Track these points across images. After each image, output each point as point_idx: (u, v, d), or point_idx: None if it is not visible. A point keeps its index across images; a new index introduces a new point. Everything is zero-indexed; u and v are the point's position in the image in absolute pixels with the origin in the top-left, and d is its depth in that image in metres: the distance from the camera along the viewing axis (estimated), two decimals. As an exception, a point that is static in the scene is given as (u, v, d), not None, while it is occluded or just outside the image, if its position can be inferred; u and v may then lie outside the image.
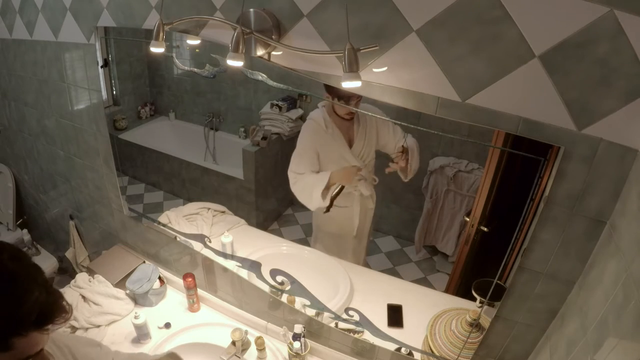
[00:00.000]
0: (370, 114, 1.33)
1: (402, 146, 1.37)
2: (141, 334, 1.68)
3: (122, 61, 1.82)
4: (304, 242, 1.79)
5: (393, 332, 1.50)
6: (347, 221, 1.63)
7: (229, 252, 1.76)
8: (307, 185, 1.56)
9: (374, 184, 1.57)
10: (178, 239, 1.88)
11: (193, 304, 1.85)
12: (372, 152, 1.50)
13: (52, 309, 0.74)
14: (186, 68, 1.76)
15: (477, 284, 1.31)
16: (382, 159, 1.55)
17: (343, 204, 1.58)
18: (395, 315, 1.52)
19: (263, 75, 1.35)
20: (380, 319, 1.53)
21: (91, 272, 1.96)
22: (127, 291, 1.86)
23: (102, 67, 1.71)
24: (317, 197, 1.54)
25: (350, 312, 1.56)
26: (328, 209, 1.58)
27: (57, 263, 2.59)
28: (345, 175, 1.54)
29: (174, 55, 1.72)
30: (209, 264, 1.81)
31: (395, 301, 1.54)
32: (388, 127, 1.44)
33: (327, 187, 1.53)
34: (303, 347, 1.55)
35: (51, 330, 0.75)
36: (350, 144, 1.49)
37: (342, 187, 1.54)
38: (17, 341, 0.71)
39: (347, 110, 1.40)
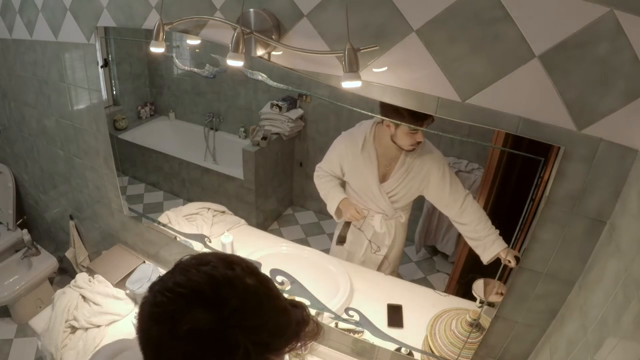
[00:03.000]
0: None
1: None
2: (141, 334, 1.68)
3: (122, 61, 1.82)
4: (304, 242, 1.79)
5: (393, 332, 1.50)
6: (354, 246, 1.59)
7: (229, 252, 1.76)
8: (321, 190, 1.50)
9: (400, 220, 1.46)
10: (178, 239, 1.88)
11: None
12: (408, 196, 1.39)
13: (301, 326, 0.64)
14: (186, 68, 1.76)
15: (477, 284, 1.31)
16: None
17: (357, 225, 1.51)
18: (395, 315, 1.52)
19: (263, 75, 1.35)
20: (380, 319, 1.53)
21: (91, 272, 1.95)
22: (127, 291, 1.86)
23: (102, 67, 1.71)
24: (330, 209, 1.48)
25: (350, 312, 1.56)
26: (341, 241, 1.50)
27: (57, 263, 2.59)
28: (352, 214, 1.43)
29: (174, 55, 1.72)
30: (209, 264, 1.81)
31: (395, 301, 1.54)
32: (444, 180, 1.28)
33: (338, 211, 1.45)
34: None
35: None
36: (384, 178, 1.37)
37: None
38: None
39: (413, 140, 1.23)
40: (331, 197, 1.47)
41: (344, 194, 1.46)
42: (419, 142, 1.27)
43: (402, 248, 1.57)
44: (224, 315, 0.55)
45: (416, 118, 1.15)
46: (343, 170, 1.44)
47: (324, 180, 1.50)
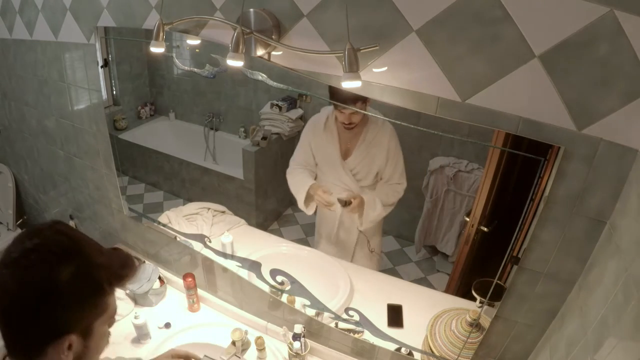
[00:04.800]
0: (379, 116, 1.28)
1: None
2: (141, 334, 1.68)
3: (122, 61, 1.82)
4: (304, 242, 1.79)
5: (393, 332, 1.50)
6: (329, 225, 1.62)
7: (229, 252, 1.76)
8: (292, 184, 1.56)
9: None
10: (178, 239, 1.88)
11: (193, 304, 1.85)
12: (370, 173, 1.45)
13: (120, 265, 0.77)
14: (186, 68, 1.76)
15: (477, 284, 1.31)
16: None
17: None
18: (395, 315, 1.52)
19: (263, 75, 1.35)
20: (380, 318, 1.53)
21: (91, 272, 1.95)
22: (127, 291, 1.86)
23: (102, 67, 1.71)
24: (299, 198, 1.53)
25: (350, 312, 1.56)
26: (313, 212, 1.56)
27: (57, 263, 2.59)
28: (319, 194, 1.50)
29: (174, 55, 1.72)
30: (209, 264, 1.81)
31: (395, 301, 1.54)
32: (397, 158, 1.39)
33: (307, 200, 1.51)
34: (303, 347, 1.55)
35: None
36: (346, 155, 1.45)
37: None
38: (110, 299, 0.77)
39: (345, 118, 1.35)
40: (300, 185, 1.53)
41: (313, 180, 1.52)
42: (351, 122, 1.36)
43: (379, 226, 1.59)
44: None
45: (336, 97, 1.26)
46: (313, 151, 1.51)
47: (294, 173, 1.56)
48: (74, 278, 0.69)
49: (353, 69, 0.99)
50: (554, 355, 1.12)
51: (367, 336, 1.53)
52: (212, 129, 1.86)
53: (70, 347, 0.71)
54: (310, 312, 1.63)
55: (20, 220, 2.71)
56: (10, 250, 0.69)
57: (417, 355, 1.46)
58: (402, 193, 1.46)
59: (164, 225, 1.91)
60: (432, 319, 1.45)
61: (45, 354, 0.70)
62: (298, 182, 1.55)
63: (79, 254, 0.71)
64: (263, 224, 1.87)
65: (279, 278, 1.68)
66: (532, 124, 0.99)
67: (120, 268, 0.77)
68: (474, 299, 1.32)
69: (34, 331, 0.68)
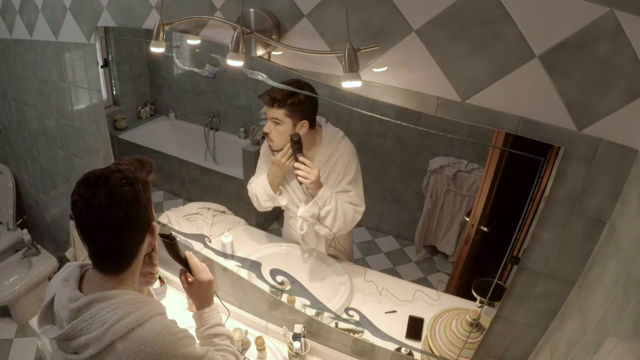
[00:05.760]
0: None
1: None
2: (141, 334, 1.68)
3: (122, 61, 1.82)
4: (304, 242, 1.79)
5: (393, 332, 1.50)
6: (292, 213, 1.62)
7: (229, 252, 1.76)
8: (254, 187, 1.57)
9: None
10: (178, 239, 1.88)
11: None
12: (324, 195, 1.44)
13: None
14: (186, 68, 1.76)
15: (477, 284, 1.31)
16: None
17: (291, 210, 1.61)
18: (415, 328, 1.49)
19: (263, 75, 1.35)
20: (380, 318, 1.53)
21: (91, 272, 1.95)
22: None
23: (102, 67, 1.71)
24: (267, 191, 1.54)
25: (350, 312, 1.56)
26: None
27: (57, 263, 2.59)
28: (276, 160, 1.49)
29: (174, 55, 1.72)
30: (209, 264, 1.81)
31: (394, 301, 1.54)
32: (352, 174, 1.42)
33: (273, 185, 1.53)
34: (303, 347, 1.55)
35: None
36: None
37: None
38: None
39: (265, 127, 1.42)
40: (261, 181, 1.54)
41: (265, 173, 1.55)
42: (268, 135, 1.42)
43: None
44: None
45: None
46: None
47: (251, 186, 1.60)
48: (142, 187, 0.89)
49: (353, 68, 0.99)
50: (554, 355, 1.12)
51: (367, 336, 1.53)
52: (212, 128, 1.86)
53: (153, 232, 0.93)
54: (310, 312, 1.63)
55: (20, 220, 2.71)
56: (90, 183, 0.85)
57: (417, 355, 1.46)
58: (358, 217, 1.46)
59: (164, 225, 1.91)
60: (432, 319, 1.45)
61: (138, 251, 0.91)
62: (258, 181, 1.56)
63: (137, 175, 0.90)
64: (263, 224, 1.87)
65: (279, 278, 1.68)
66: (532, 124, 0.99)
67: (147, 168, 0.95)
68: (474, 299, 1.32)
69: (130, 231, 0.88)
